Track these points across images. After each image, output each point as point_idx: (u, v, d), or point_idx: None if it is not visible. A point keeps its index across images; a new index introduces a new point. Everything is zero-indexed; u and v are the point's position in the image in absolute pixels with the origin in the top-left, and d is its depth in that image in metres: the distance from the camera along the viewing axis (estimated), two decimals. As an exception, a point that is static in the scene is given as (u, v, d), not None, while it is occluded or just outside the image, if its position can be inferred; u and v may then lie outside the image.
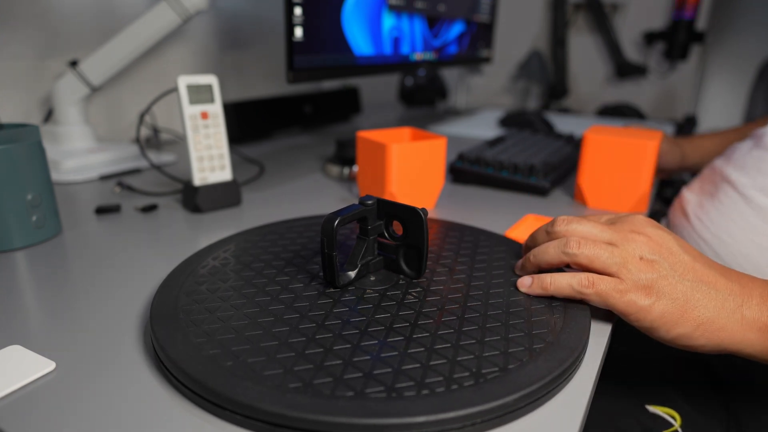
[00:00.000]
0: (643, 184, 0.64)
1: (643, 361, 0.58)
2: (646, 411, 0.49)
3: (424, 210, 0.41)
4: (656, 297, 0.36)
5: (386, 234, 0.43)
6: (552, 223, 0.42)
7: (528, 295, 0.40)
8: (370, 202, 0.42)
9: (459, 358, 0.32)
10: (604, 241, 0.38)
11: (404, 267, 0.43)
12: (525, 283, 0.40)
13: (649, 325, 0.36)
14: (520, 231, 0.57)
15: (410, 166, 0.61)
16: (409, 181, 0.61)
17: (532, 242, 0.44)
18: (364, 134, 0.64)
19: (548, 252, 0.40)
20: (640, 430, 0.48)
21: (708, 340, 0.36)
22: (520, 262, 0.44)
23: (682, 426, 0.48)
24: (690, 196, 0.69)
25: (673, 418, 0.48)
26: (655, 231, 0.39)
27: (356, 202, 0.67)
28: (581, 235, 0.40)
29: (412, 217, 0.41)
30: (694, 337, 0.36)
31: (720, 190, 0.64)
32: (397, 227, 0.45)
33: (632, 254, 0.37)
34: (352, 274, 0.41)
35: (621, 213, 0.42)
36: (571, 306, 0.38)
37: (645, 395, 0.52)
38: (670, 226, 0.72)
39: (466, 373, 0.30)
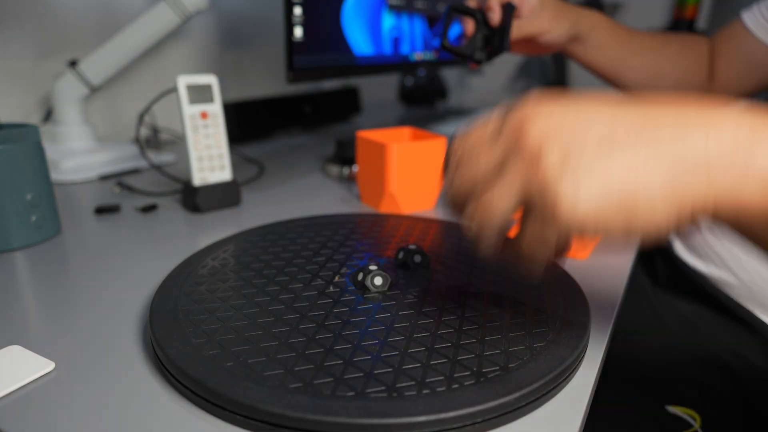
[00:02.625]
0: None
1: (662, 362, 0.58)
2: (666, 411, 0.49)
3: (512, 5, 0.66)
4: (585, 184, 0.25)
5: (489, 29, 0.69)
6: (447, 177, 0.32)
7: (528, 294, 0.40)
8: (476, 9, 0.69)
9: (459, 358, 0.32)
10: (493, 174, 0.29)
11: (496, 47, 0.68)
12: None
13: (595, 229, 0.26)
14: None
15: (410, 166, 0.61)
16: (409, 181, 0.61)
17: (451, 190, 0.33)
18: (364, 134, 0.64)
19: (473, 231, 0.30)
20: (659, 431, 0.48)
21: (673, 205, 0.25)
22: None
23: (702, 426, 0.48)
24: None
25: (693, 418, 0.48)
26: (548, 113, 0.28)
27: (356, 201, 0.67)
28: (467, 181, 0.30)
29: (506, 9, 0.66)
30: (656, 210, 0.25)
31: None
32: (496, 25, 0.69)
33: (527, 169, 0.27)
34: (462, 44, 0.70)
35: (508, 110, 0.30)
36: (572, 304, 0.38)
37: (665, 396, 0.51)
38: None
39: (467, 372, 0.30)
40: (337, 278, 0.42)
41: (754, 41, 0.68)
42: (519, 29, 0.68)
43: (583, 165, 0.25)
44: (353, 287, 0.41)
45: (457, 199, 0.31)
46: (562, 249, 0.31)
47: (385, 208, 0.63)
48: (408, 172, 0.61)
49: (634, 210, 0.25)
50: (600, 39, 0.73)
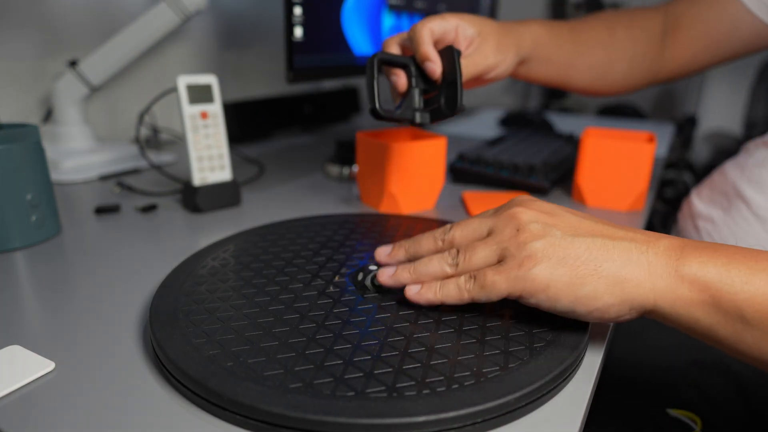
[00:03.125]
0: (640, 184, 0.64)
1: (663, 364, 0.58)
2: (668, 415, 0.49)
3: (457, 50, 0.50)
4: (544, 263, 0.32)
5: (429, 84, 0.53)
6: (442, 232, 0.39)
7: None
8: (408, 56, 0.53)
9: (459, 357, 0.32)
10: (484, 235, 0.36)
11: (444, 108, 0.51)
12: (411, 290, 0.36)
13: (547, 297, 0.32)
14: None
15: (411, 166, 0.61)
16: (410, 181, 0.61)
17: (416, 248, 0.39)
18: (364, 134, 0.64)
19: (432, 264, 0.37)
20: None
21: (615, 296, 0.31)
22: (389, 269, 0.38)
23: (702, 430, 0.48)
24: (700, 205, 0.66)
25: (693, 421, 0.48)
26: (535, 202, 0.36)
27: (356, 201, 0.67)
28: (461, 236, 0.37)
29: (447, 57, 0.50)
30: (599, 296, 0.31)
31: (733, 207, 0.60)
32: (438, 79, 0.53)
33: (510, 232, 0.34)
34: (396, 110, 0.52)
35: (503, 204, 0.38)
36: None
37: (666, 399, 0.51)
38: (680, 236, 0.69)
39: (467, 373, 0.30)
40: (337, 278, 0.42)
41: (736, 6, 0.63)
42: (464, 72, 0.54)
43: (550, 243, 0.32)
44: (353, 287, 0.41)
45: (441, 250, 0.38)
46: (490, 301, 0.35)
47: (385, 208, 0.63)
48: (408, 172, 0.61)
49: (581, 289, 0.31)
50: (544, 53, 0.64)
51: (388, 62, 0.52)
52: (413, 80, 0.53)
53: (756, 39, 0.64)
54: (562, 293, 0.31)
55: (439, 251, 0.38)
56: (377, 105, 0.49)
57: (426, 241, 0.39)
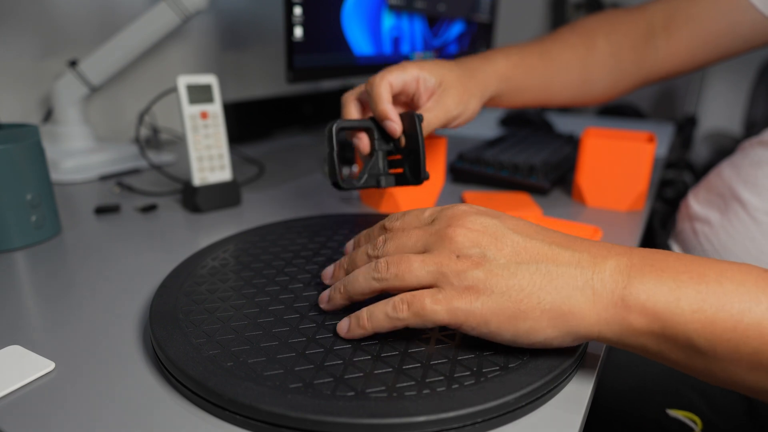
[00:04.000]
0: (640, 184, 0.64)
1: (664, 365, 0.57)
2: (668, 415, 0.49)
3: (419, 115, 0.46)
4: (485, 296, 0.30)
5: (393, 147, 0.50)
6: (372, 245, 0.36)
7: None
8: (370, 116, 0.48)
9: (459, 357, 0.32)
10: (419, 251, 0.33)
11: (409, 176, 0.48)
12: (342, 328, 0.33)
13: (488, 330, 0.30)
14: None
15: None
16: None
17: (351, 265, 0.37)
18: None
19: (358, 281, 0.34)
20: None
21: (557, 329, 0.30)
22: (326, 293, 0.36)
23: (703, 431, 0.48)
24: (697, 207, 0.65)
25: (694, 422, 0.48)
26: (476, 219, 0.33)
27: (356, 201, 0.67)
28: (395, 251, 0.34)
29: (409, 123, 0.47)
30: (540, 330, 0.30)
31: (730, 210, 0.60)
32: (401, 141, 0.51)
33: (448, 255, 0.31)
34: (357, 182, 0.47)
35: (446, 206, 0.35)
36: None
37: (666, 400, 0.51)
38: (678, 237, 0.68)
39: (467, 372, 0.30)
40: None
41: (743, 4, 0.61)
42: (428, 126, 0.51)
43: (492, 273, 0.30)
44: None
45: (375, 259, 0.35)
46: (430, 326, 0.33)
47: (385, 208, 0.63)
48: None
49: (522, 324, 0.30)
50: (513, 85, 0.61)
51: (349, 128, 0.49)
52: (376, 142, 0.50)
53: (756, 35, 0.63)
54: (503, 327, 0.30)
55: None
56: (338, 179, 0.46)
57: (360, 256, 0.36)
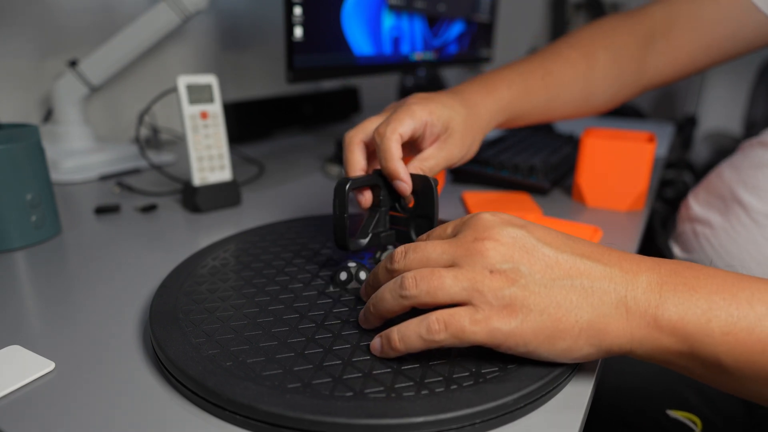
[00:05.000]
0: (640, 184, 0.64)
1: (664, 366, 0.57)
2: (667, 416, 0.49)
3: (434, 179, 0.41)
4: (522, 314, 0.29)
5: (398, 206, 0.45)
6: (390, 258, 0.34)
7: None
8: (378, 174, 0.43)
9: (458, 358, 0.32)
10: (445, 265, 0.32)
11: (414, 237, 0.44)
12: (375, 347, 0.32)
13: (526, 350, 0.30)
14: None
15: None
16: None
17: (375, 282, 0.35)
18: None
19: (385, 299, 0.32)
20: None
21: (593, 347, 0.30)
22: (362, 312, 0.35)
23: (702, 431, 0.48)
24: (697, 208, 0.65)
25: (694, 423, 0.48)
26: (503, 230, 0.32)
27: (356, 200, 0.66)
28: (418, 264, 0.32)
29: (422, 186, 0.42)
30: (578, 349, 0.30)
31: (731, 212, 0.59)
32: (409, 201, 0.46)
33: (481, 271, 0.30)
34: (364, 241, 0.43)
35: (467, 217, 0.34)
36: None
37: (666, 400, 0.51)
38: (679, 239, 0.68)
39: (466, 373, 0.30)
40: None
41: (747, 6, 0.61)
42: (422, 169, 0.49)
43: (528, 290, 0.30)
44: (352, 287, 0.41)
45: (397, 273, 0.33)
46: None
47: None
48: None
49: (561, 343, 0.29)
50: (517, 113, 0.61)
51: (359, 186, 0.44)
52: (381, 199, 0.45)
53: (759, 36, 0.62)
54: (542, 347, 0.30)
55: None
56: (347, 243, 0.42)
57: (381, 271, 0.35)
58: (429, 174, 0.48)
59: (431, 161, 0.49)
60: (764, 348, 0.27)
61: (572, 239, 0.32)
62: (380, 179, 0.44)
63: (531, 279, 0.30)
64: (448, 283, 0.30)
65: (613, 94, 0.67)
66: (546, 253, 0.31)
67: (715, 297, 0.28)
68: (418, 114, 0.48)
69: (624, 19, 0.67)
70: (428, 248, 0.33)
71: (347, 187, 0.40)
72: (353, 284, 0.41)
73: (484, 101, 0.56)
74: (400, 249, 0.34)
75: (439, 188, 0.64)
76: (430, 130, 0.49)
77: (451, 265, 0.31)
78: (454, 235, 0.33)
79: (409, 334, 0.30)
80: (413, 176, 0.43)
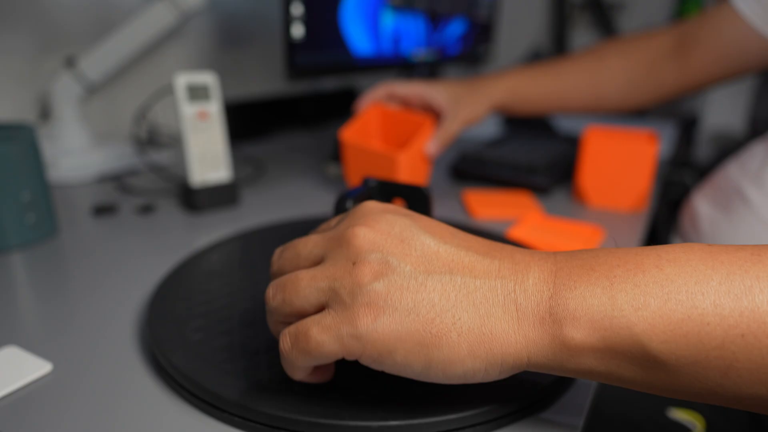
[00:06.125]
0: (642, 184, 0.64)
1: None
2: (669, 415, 0.49)
3: (428, 188, 0.41)
4: (385, 314, 0.23)
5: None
6: (277, 253, 0.30)
7: None
8: (373, 184, 0.42)
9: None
10: (316, 262, 0.27)
11: None
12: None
13: (393, 362, 0.24)
14: (521, 230, 0.56)
15: (414, 167, 0.60)
16: (413, 174, 0.61)
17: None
18: (352, 141, 0.63)
19: (268, 320, 0.28)
20: None
21: (479, 359, 0.24)
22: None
23: (703, 430, 0.48)
24: (701, 206, 0.65)
25: (694, 423, 0.48)
26: (381, 216, 0.27)
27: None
28: (290, 266, 0.28)
29: (417, 195, 0.41)
30: (459, 360, 0.23)
31: (735, 209, 0.59)
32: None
33: (343, 265, 0.25)
34: None
35: (357, 206, 0.29)
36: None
37: (667, 400, 0.51)
38: (682, 237, 0.68)
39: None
40: None
41: (743, 26, 0.63)
42: (447, 132, 0.64)
43: (395, 285, 0.24)
44: None
45: (274, 277, 0.29)
46: (325, 370, 0.28)
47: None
48: (412, 172, 0.60)
49: (436, 352, 0.23)
50: (523, 96, 0.70)
51: (358, 199, 0.41)
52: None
53: (765, 58, 0.64)
54: (412, 357, 0.24)
55: None
56: None
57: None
58: (448, 133, 0.62)
59: (447, 120, 0.64)
60: (689, 313, 0.22)
61: (463, 233, 0.27)
62: (376, 189, 0.43)
63: (401, 272, 0.24)
64: (303, 285, 0.25)
65: (626, 95, 0.71)
66: (425, 242, 0.25)
67: (616, 271, 0.23)
68: (415, 85, 0.65)
69: (637, 37, 0.73)
70: (300, 244, 0.28)
71: (346, 204, 0.37)
72: None
73: (489, 80, 0.68)
74: (277, 250, 0.29)
75: (428, 134, 0.64)
76: (437, 105, 0.65)
77: (321, 261, 0.27)
78: (335, 226, 0.28)
79: (281, 360, 0.26)
80: (408, 186, 0.42)
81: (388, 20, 0.92)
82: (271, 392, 0.28)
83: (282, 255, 0.29)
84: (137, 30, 0.77)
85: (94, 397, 0.30)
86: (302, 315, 0.26)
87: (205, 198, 0.61)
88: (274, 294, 0.26)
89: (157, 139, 0.94)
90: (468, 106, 0.65)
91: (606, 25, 1.86)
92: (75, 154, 0.77)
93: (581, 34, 1.94)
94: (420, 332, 0.23)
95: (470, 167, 0.74)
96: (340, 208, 0.38)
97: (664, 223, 1.34)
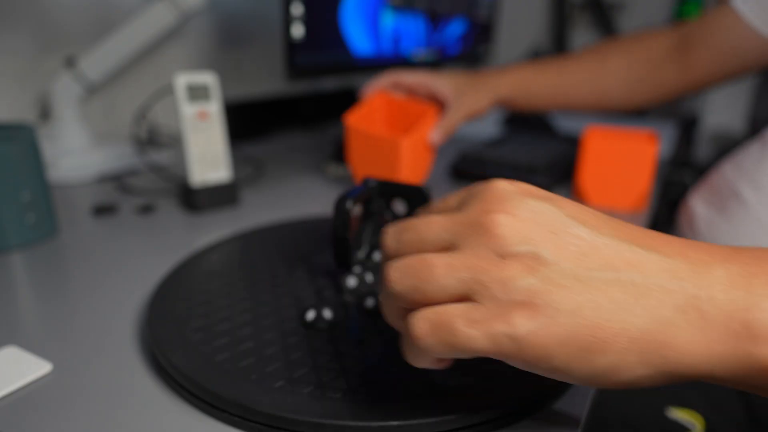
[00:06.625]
0: (642, 183, 0.64)
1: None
2: (669, 415, 0.49)
3: (428, 189, 0.41)
4: (544, 315, 0.21)
5: (392, 214, 0.44)
6: (383, 242, 0.26)
7: None
8: (373, 184, 0.42)
9: (460, 359, 0.31)
10: (444, 247, 0.24)
11: None
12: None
13: (550, 365, 0.22)
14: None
15: (417, 155, 0.60)
16: (414, 169, 0.61)
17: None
18: (358, 126, 0.63)
19: (383, 304, 0.26)
20: None
21: (651, 367, 0.21)
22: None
23: (704, 430, 0.48)
24: (698, 207, 0.65)
25: (693, 423, 0.48)
26: (522, 202, 0.23)
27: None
28: (412, 248, 0.25)
29: (417, 196, 0.41)
30: (628, 368, 0.21)
31: (731, 209, 0.59)
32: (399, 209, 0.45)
33: (486, 255, 0.22)
34: (362, 254, 0.42)
35: (477, 184, 0.25)
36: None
37: (667, 399, 0.51)
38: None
39: (469, 374, 0.30)
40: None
41: (743, 26, 0.64)
42: (451, 121, 0.65)
43: (553, 282, 0.21)
44: (352, 289, 0.40)
45: (391, 260, 0.25)
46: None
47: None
48: (414, 161, 0.60)
49: (601, 358, 0.21)
50: (526, 91, 0.71)
51: (359, 199, 0.40)
52: (375, 208, 0.43)
53: (765, 58, 0.65)
54: (574, 364, 0.21)
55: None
56: (350, 263, 0.38)
57: (383, 263, 0.27)
58: (452, 122, 0.64)
59: (452, 110, 0.65)
60: None
61: (615, 221, 0.24)
62: (377, 188, 0.42)
63: (558, 268, 0.21)
64: (439, 273, 0.22)
65: (627, 94, 0.73)
66: (579, 235, 0.22)
67: None
68: (421, 75, 0.67)
69: (639, 36, 0.74)
70: (422, 226, 0.25)
71: (346, 204, 0.36)
72: (322, 324, 0.35)
73: (494, 74, 0.70)
74: (391, 230, 0.26)
75: (432, 123, 0.65)
76: (442, 95, 0.65)
77: (450, 247, 0.23)
78: (459, 207, 0.25)
79: (403, 349, 0.25)
80: (408, 186, 0.42)
81: (388, 20, 0.92)
82: (271, 392, 0.28)
83: (401, 237, 0.25)
84: (137, 30, 0.77)
85: (94, 397, 0.30)
86: (431, 304, 0.23)
87: (205, 198, 0.61)
88: (400, 278, 0.23)
89: (157, 139, 0.94)
90: (472, 99, 0.67)
91: (606, 25, 1.86)
92: (75, 154, 0.77)
93: (581, 34, 1.94)
94: (585, 337, 0.21)
95: (470, 167, 0.74)
96: (340, 208, 0.37)
97: (664, 223, 1.34)
